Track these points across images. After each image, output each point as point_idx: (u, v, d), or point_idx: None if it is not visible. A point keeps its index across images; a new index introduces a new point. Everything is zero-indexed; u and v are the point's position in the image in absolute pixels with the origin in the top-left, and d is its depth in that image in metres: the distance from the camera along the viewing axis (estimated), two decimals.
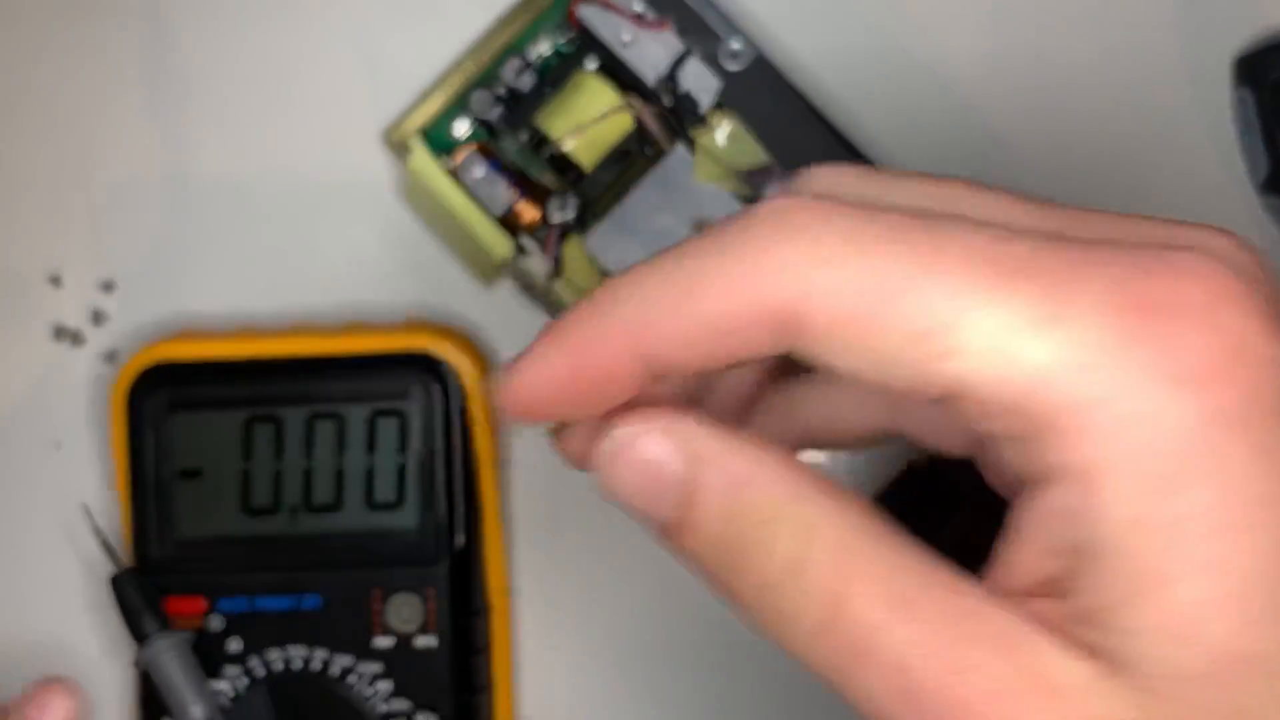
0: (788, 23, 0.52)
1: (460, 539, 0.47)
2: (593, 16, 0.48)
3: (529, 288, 0.48)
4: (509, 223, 0.48)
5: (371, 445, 0.47)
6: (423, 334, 0.47)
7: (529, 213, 0.48)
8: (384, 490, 0.47)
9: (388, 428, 0.47)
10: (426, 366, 0.47)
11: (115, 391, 0.47)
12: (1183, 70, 0.52)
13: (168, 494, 0.47)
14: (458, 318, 0.51)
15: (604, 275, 0.47)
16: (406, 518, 0.47)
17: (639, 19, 0.47)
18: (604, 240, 0.47)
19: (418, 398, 0.47)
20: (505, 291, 0.51)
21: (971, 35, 0.52)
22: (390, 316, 0.51)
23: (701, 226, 0.47)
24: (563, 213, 0.48)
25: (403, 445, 0.47)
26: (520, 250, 0.47)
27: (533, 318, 0.50)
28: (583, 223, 0.48)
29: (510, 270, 0.48)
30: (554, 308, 0.48)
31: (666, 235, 0.47)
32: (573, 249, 0.48)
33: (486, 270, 0.49)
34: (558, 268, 0.48)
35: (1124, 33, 0.52)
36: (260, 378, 0.47)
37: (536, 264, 0.48)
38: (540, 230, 0.48)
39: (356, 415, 0.47)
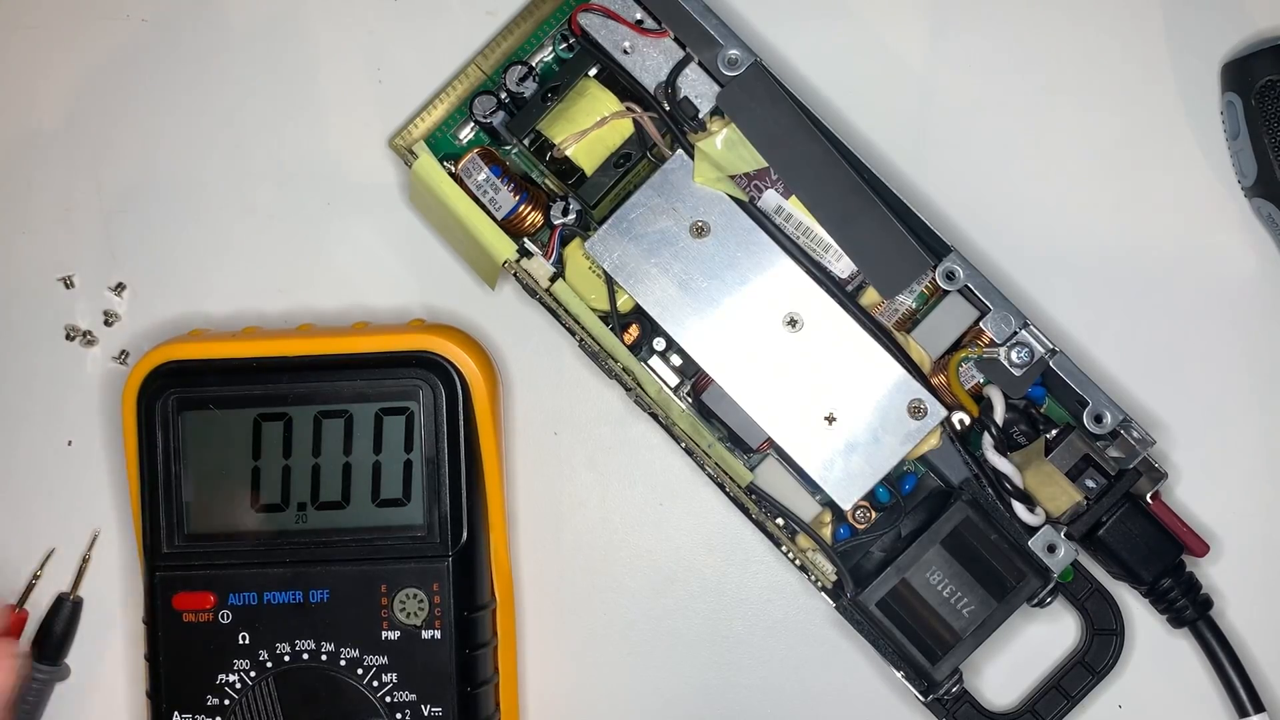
0: (784, 31, 0.52)
1: (464, 535, 0.47)
2: (594, 24, 0.48)
3: (531, 289, 0.48)
4: (511, 226, 0.48)
5: (378, 443, 0.47)
6: (428, 334, 0.48)
7: (531, 216, 0.48)
8: (390, 487, 0.47)
9: (394, 426, 0.47)
10: (432, 366, 0.47)
11: (126, 391, 0.48)
12: (1171, 75, 0.52)
13: (177, 491, 0.47)
14: (462, 319, 0.52)
15: (605, 277, 0.48)
16: (412, 514, 0.47)
17: (639, 27, 0.48)
18: (605, 243, 0.47)
19: (424, 397, 0.47)
20: (508, 292, 0.52)
21: (964, 43, 0.52)
22: (396, 318, 0.52)
23: (701, 229, 0.47)
24: (564, 216, 0.48)
25: (409, 443, 0.47)
26: (523, 252, 0.48)
27: (536, 319, 0.51)
28: (584, 225, 0.49)
29: (513, 272, 0.48)
30: (555, 309, 0.48)
31: (667, 238, 0.47)
32: (574, 251, 0.49)
33: (490, 272, 0.50)
34: (559, 270, 0.49)
35: (1114, 38, 0.52)
36: (268, 377, 0.47)
37: (539, 266, 0.48)
38: (542, 233, 0.49)
39: (363, 414, 0.47)
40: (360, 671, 0.47)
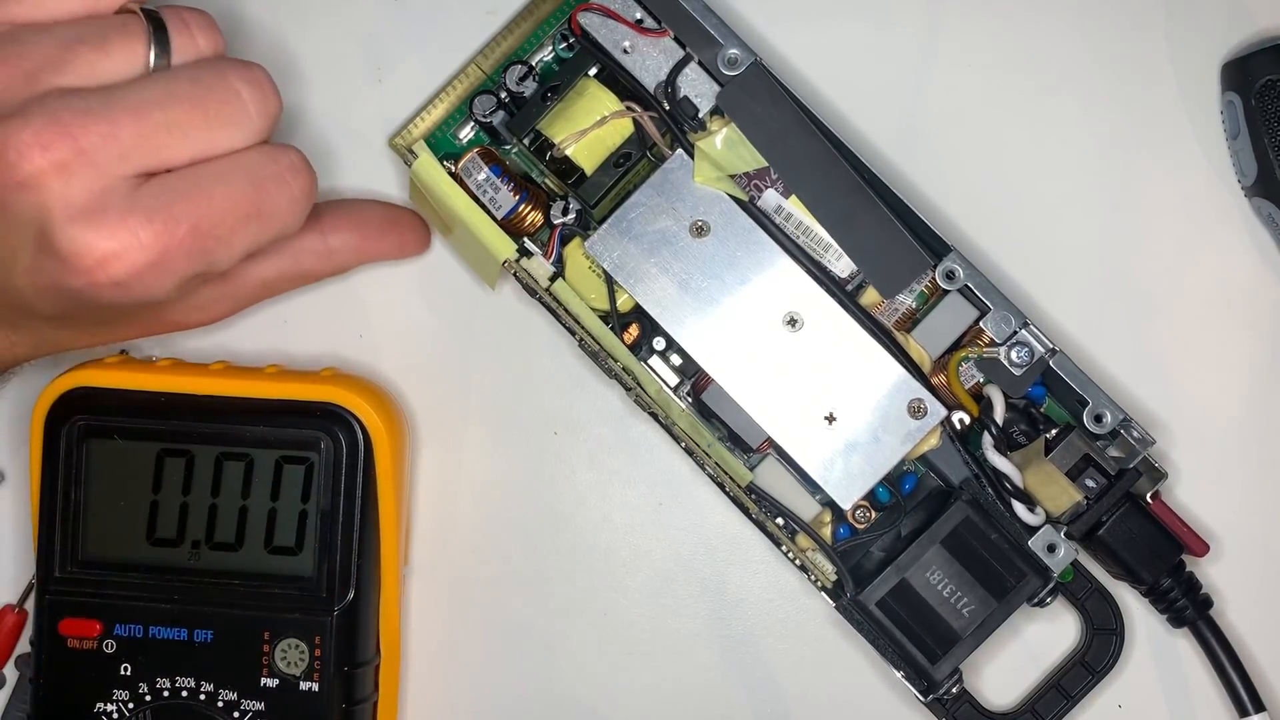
0: (784, 31, 0.52)
1: (351, 593, 0.47)
2: (594, 24, 0.48)
3: (531, 289, 0.48)
4: (511, 225, 0.48)
5: (276, 490, 0.47)
6: (336, 387, 0.47)
7: (531, 215, 0.48)
8: (284, 535, 0.47)
9: (293, 475, 0.47)
10: (336, 419, 0.47)
11: (35, 412, 0.47)
12: (1171, 76, 0.52)
13: (75, 516, 0.47)
14: (463, 320, 0.52)
15: (605, 277, 0.48)
16: (302, 565, 0.47)
17: (639, 27, 0.48)
18: (605, 242, 0.47)
19: (325, 449, 0.47)
20: (507, 293, 0.52)
21: (964, 42, 0.52)
22: (394, 319, 0.52)
23: (701, 229, 0.47)
24: (564, 215, 0.48)
25: (306, 494, 0.47)
26: (523, 252, 0.48)
27: (536, 319, 0.51)
28: (584, 225, 0.49)
29: (513, 272, 0.48)
30: (555, 309, 0.48)
31: (666, 237, 0.47)
32: (574, 251, 0.49)
33: (490, 272, 0.50)
34: (559, 269, 0.48)
35: (1114, 37, 0.52)
36: (176, 412, 0.47)
37: (539, 266, 0.48)
38: (542, 232, 0.49)
39: (264, 460, 0.47)
40: (236, 715, 0.46)
